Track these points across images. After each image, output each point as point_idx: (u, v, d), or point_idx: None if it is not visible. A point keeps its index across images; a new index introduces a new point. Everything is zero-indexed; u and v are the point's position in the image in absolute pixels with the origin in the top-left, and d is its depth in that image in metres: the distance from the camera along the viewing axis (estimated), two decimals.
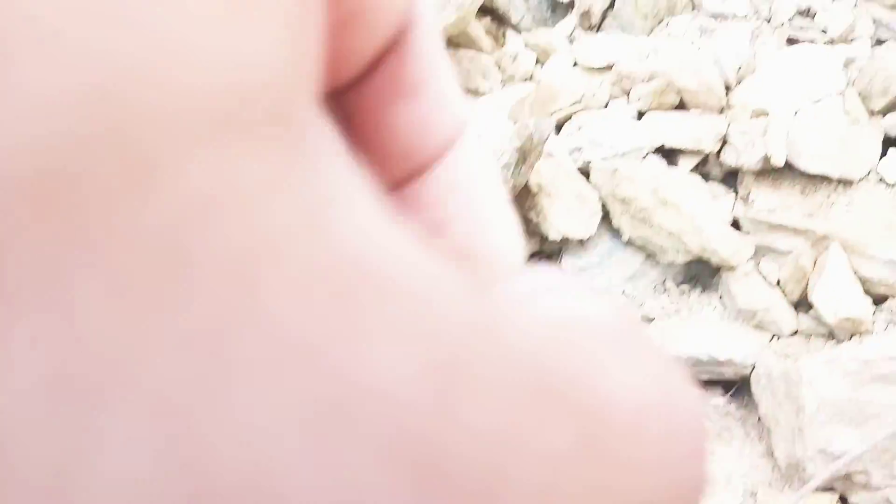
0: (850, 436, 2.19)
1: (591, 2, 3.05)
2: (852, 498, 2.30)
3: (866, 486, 2.25)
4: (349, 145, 0.15)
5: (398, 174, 0.21)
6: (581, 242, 2.56)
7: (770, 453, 2.43)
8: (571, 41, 3.10)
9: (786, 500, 2.27)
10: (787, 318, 2.41)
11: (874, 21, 2.79)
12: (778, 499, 2.34)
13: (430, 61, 0.21)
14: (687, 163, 2.54)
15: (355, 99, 0.20)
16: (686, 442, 0.15)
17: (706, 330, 2.44)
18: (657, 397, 0.15)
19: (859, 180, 2.42)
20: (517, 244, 0.23)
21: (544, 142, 2.29)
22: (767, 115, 2.48)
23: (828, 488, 2.32)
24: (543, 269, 0.20)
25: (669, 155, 2.58)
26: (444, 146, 0.21)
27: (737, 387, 2.52)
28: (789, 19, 2.78)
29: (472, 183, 0.22)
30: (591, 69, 2.92)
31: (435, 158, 0.21)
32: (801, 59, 2.59)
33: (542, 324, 0.14)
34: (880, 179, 2.42)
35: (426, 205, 0.21)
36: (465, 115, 0.22)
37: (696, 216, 2.42)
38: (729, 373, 2.44)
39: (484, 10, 3.17)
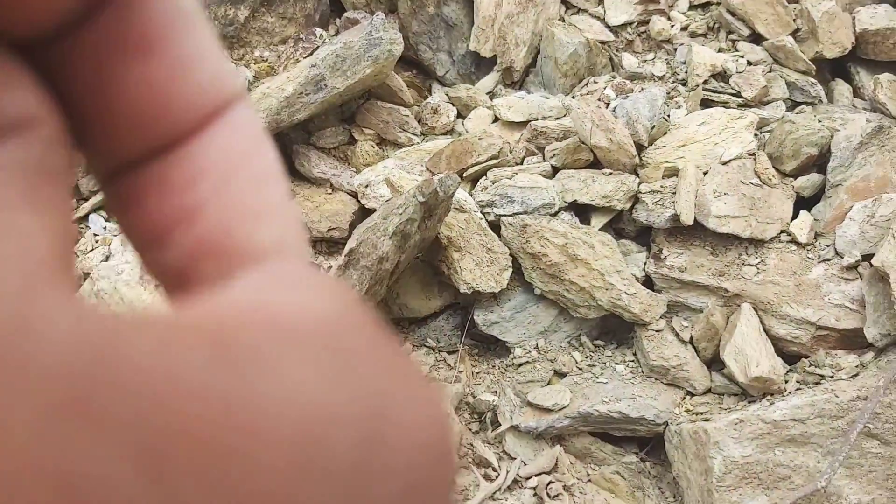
0: (760, 499, 2.13)
1: (514, 58, 3.06)
2: None
3: None
4: (65, 109, 0.15)
5: (135, 148, 0.20)
6: (493, 296, 2.50)
7: None
8: (493, 96, 3.11)
9: None
10: (700, 377, 2.36)
11: (788, 84, 2.84)
12: None
13: (169, 19, 0.19)
14: (599, 220, 2.52)
15: (68, 53, 0.18)
16: (390, 450, 0.15)
17: (619, 387, 2.38)
18: (335, 402, 0.15)
19: (770, 239, 2.42)
20: (287, 231, 0.21)
21: (450, 197, 2.24)
22: (678, 174, 2.48)
23: None
24: (296, 262, 0.20)
25: (582, 211, 2.55)
26: (197, 120, 0.20)
27: (651, 444, 2.46)
28: (704, 81, 2.81)
29: (232, 165, 0.21)
30: (510, 124, 2.91)
31: (185, 133, 0.20)
32: (714, 122, 2.61)
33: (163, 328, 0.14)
34: (791, 240, 2.42)
35: (175, 187, 0.20)
36: (229, 88, 0.21)
37: (606, 273, 2.38)
38: (642, 430, 2.38)
39: (409, 63, 3.17)
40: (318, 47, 3.05)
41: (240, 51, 3.15)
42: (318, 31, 3.12)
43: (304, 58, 3.01)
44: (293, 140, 2.92)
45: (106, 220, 2.71)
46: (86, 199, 2.74)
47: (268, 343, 0.15)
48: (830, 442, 2.10)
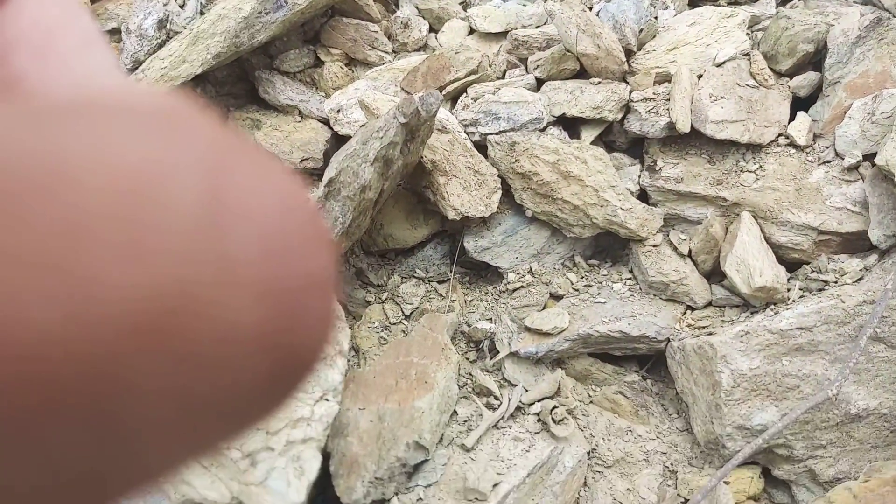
0: (769, 410, 2.09)
1: None
2: (775, 471, 2.21)
3: (789, 459, 2.17)
4: None
5: None
6: (483, 221, 2.38)
7: (689, 430, 2.33)
8: (466, 6, 2.91)
9: (707, 479, 2.16)
10: (701, 290, 2.29)
11: None
12: (698, 478, 2.23)
13: None
14: (589, 133, 2.38)
15: None
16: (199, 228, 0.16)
17: (618, 306, 2.30)
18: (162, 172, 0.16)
19: (768, 144, 2.31)
20: (100, 64, 0.23)
21: (433, 116, 2.08)
22: (671, 79, 2.35)
23: (750, 462, 2.23)
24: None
25: (571, 125, 2.41)
26: None
27: (652, 362, 2.41)
28: None
29: (47, 34, 0.22)
30: (488, 35, 2.73)
31: None
32: (705, 21, 2.46)
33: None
34: (790, 143, 2.32)
35: None
36: None
37: (601, 189, 2.27)
38: (643, 348, 2.31)
39: None
40: None
41: None
42: None
43: None
44: (255, 66, 2.71)
45: None
46: None
47: (89, 111, 0.16)
48: (838, 349, 2.05)
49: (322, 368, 1.69)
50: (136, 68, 2.58)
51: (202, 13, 2.73)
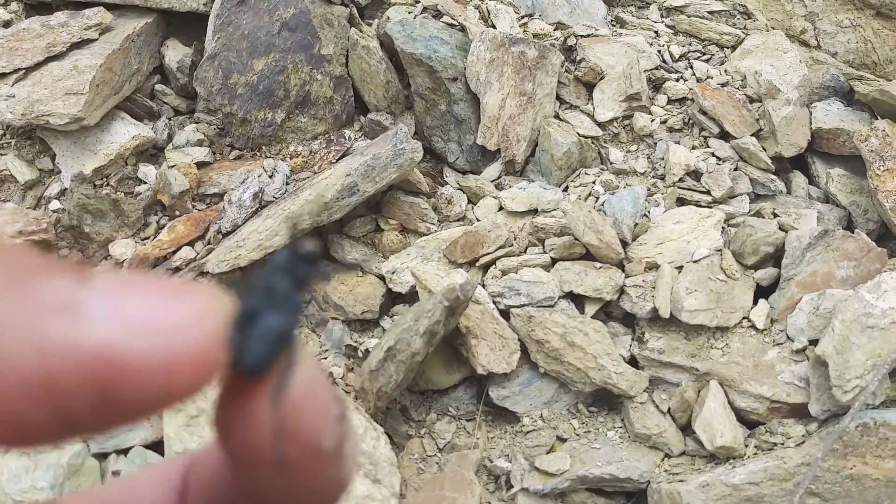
0: None
1: (515, 153, 3.53)
2: None
3: None
4: None
5: None
6: (505, 374, 2.98)
7: None
8: (498, 185, 3.58)
9: None
10: (676, 442, 2.85)
11: (751, 181, 3.33)
12: None
13: None
14: (592, 307, 3.00)
15: None
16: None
17: (610, 451, 2.87)
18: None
19: (734, 326, 2.91)
20: None
21: (469, 299, 2.72)
22: (658, 268, 2.97)
23: None
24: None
25: (577, 299, 3.04)
26: None
27: (636, 498, 2.95)
28: (680, 179, 3.29)
29: None
30: (514, 213, 3.38)
31: None
32: (687, 220, 3.09)
33: None
34: (751, 325, 2.91)
35: None
36: None
37: (598, 356, 2.87)
38: (629, 487, 2.87)
39: (424, 150, 3.62)
40: (348, 149, 3.52)
41: (276, 147, 3.62)
42: (346, 132, 3.59)
43: (335, 159, 3.48)
44: (328, 230, 3.38)
45: None
46: None
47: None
48: (780, 501, 2.59)
49: None
50: (234, 231, 3.26)
51: (287, 184, 3.42)
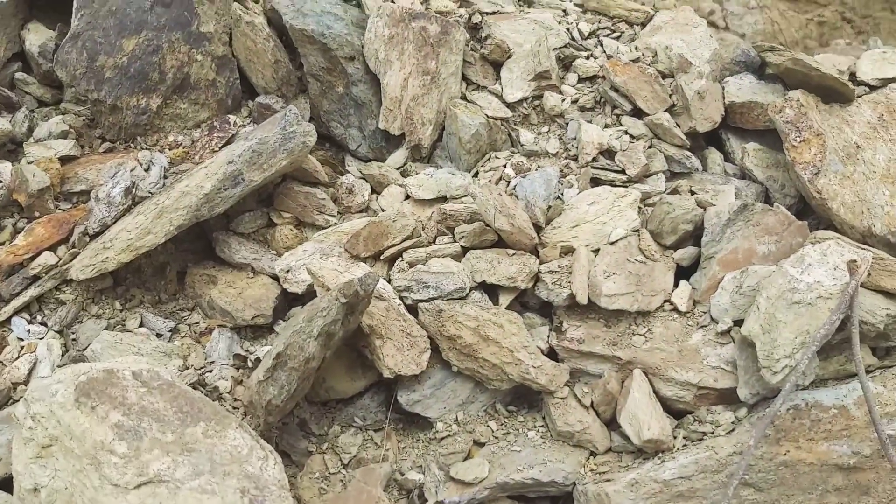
0: None
1: (421, 137, 3.27)
2: None
3: None
4: None
5: None
6: (415, 376, 2.70)
7: None
8: (404, 172, 3.30)
9: None
10: (601, 438, 2.64)
11: (667, 158, 3.16)
12: None
13: None
14: (506, 297, 2.76)
15: None
16: None
17: (531, 454, 2.63)
18: None
19: (655, 310, 2.72)
20: None
21: (370, 294, 2.43)
22: (573, 252, 2.75)
23: None
24: None
25: (490, 289, 2.79)
26: None
27: (562, 501, 2.72)
28: (593, 159, 3.10)
29: None
30: (422, 201, 3.12)
31: None
32: (602, 201, 2.90)
33: None
34: (674, 308, 2.73)
35: None
36: None
37: (515, 349, 2.63)
38: (553, 491, 2.64)
39: (322, 137, 3.31)
40: (232, 136, 3.18)
41: (153, 136, 3.25)
42: (231, 118, 3.25)
43: (219, 147, 3.14)
44: (213, 227, 3.04)
45: (29, 323, 2.76)
46: (6, 302, 2.78)
47: None
48: (713, 494, 2.41)
49: None
50: (103, 232, 2.88)
51: (165, 177, 3.07)
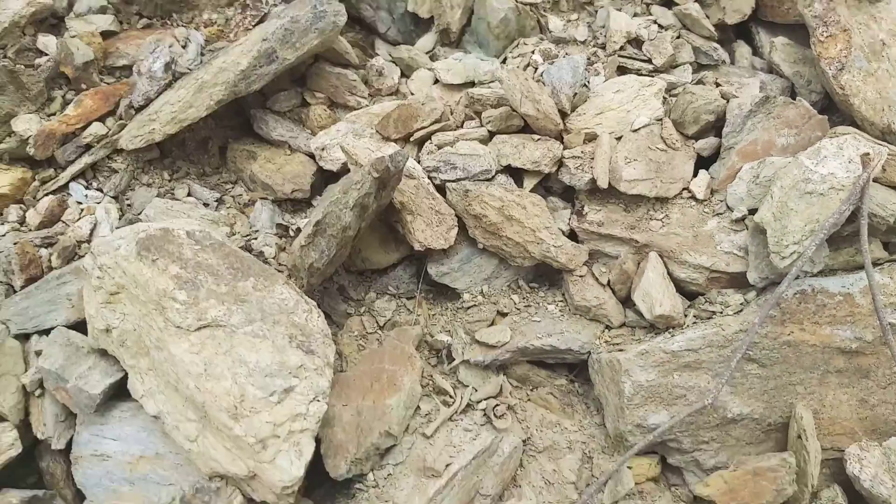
0: (662, 413, 2.65)
1: (450, 20, 3.32)
2: (670, 459, 2.77)
3: (679, 451, 2.73)
4: None
5: None
6: (443, 251, 2.87)
7: (604, 424, 2.87)
8: (432, 56, 3.38)
9: (613, 464, 2.71)
10: (616, 314, 2.83)
11: (694, 49, 3.21)
12: (608, 463, 2.79)
13: None
14: (530, 181, 2.89)
15: None
16: None
17: (550, 324, 2.83)
18: None
19: (673, 197, 2.85)
20: None
21: (401, 171, 2.57)
22: (597, 139, 2.86)
23: (650, 452, 2.80)
24: None
25: (515, 173, 2.92)
26: None
27: (578, 369, 2.95)
28: (620, 48, 3.15)
29: None
30: (450, 85, 3.21)
31: None
32: (627, 89, 2.97)
33: None
34: (691, 196, 2.86)
35: None
36: None
37: (537, 229, 2.79)
38: (570, 358, 2.85)
39: (352, 20, 3.37)
40: (265, 14, 3.24)
41: (189, 14, 3.32)
42: None
43: (252, 25, 3.21)
44: (251, 104, 3.15)
45: (86, 188, 2.93)
46: (64, 168, 2.94)
47: None
48: (718, 366, 2.62)
49: (315, 377, 2.18)
50: (147, 105, 3.00)
51: (202, 54, 3.15)
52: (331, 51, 3.19)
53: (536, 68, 3.10)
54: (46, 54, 3.08)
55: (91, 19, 3.20)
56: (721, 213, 2.82)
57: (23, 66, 3.02)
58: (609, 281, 2.84)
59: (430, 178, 2.88)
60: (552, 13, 3.39)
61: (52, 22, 3.22)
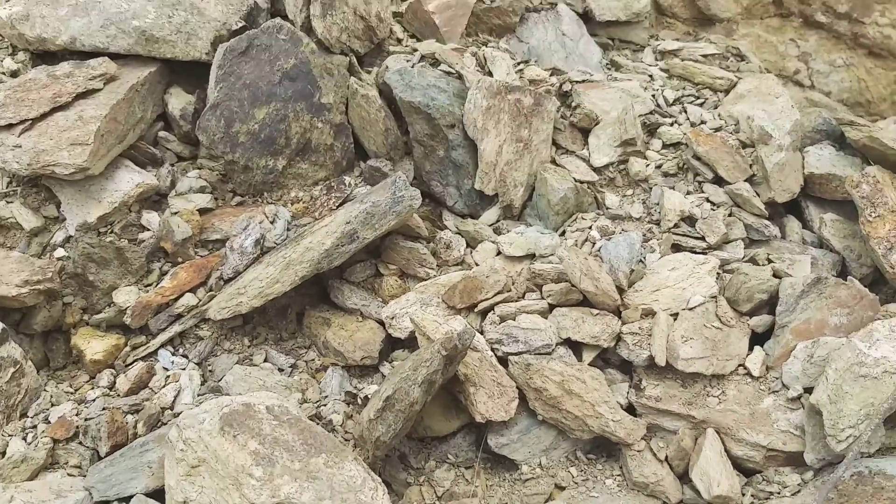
0: None
1: (513, 197, 3.59)
2: None
3: None
4: None
5: None
6: (503, 422, 2.99)
7: None
8: (496, 229, 3.62)
9: None
10: (674, 490, 2.86)
11: (745, 226, 3.37)
12: None
13: None
14: (589, 354, 3.03)
15: None
16: None
17: (608, 500, 2.88)
18: None
19: (730, 373, 2.94)
20: None
21: (467, 348, 2.75)
22: (654, 314, 3.00)
23: None
24: None
25: (575, 346, 3.07)
26: None
27: None
28: (675, 225, 3.34)
29: None
30: (512, 257, 3.42)
31: None
32: (682, 267, 3.14)
33: None
34: (747, 373, 2.94)
35: None
36: None
37: (596, 404, 2.90)
38: None
39: (422, 194, 3.66)
40: (347, 195, 3.57)
41: (278, 193, 3.68)
42: (346, 178, 3.65)
43: (336, 205, 3.53)
44: (329, 275, 3.42)
45: (173, 355, 3.20)
46: (154, 336, 3.23)
47: None
48: None
49: None
50: (235, 277, 3.30)
51: (288, 229, 3.47)
52: (404, 226, 3.47)
53: (594, 244, 3.31)
54: (149, 230, 3.44)
55: (190, 197, 3.57)
56: (777, 391, 2.88)
57: (127, 242, 3.38)
58: (667, 457, 2.90)
59: (492, 350, 3.05)
60: (608, 189, 3.62)
61: (155, 199, 3.61)
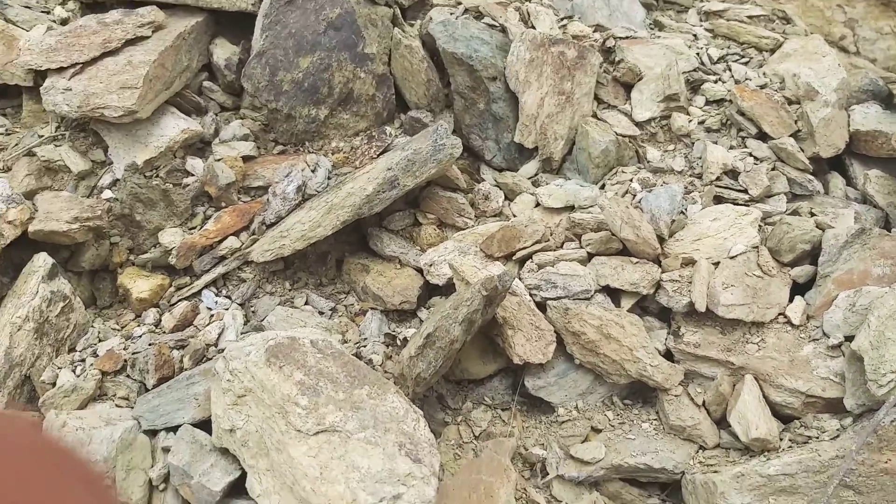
0: None
1: (553, 150, 3.59)
2: None
3: None
4: None
5: None
6: (541, 365, 3.02)
7: None
8: (535, 182, 3.63)
9: None
10: (711, 434, 2.87)
11: (789, 180, 3.35)
12: None
13: None
14: (628, 301, 3.04)
15: None
16: None
17: (645, 442, 2.90)
18: None
19: (769, 322, 2.93)
20: None
21: (507, 289, 2.77)
22: (694, 264, 3.00)
23: None
24: None
25: (614, 293, 3.08)
26: None
27: (670, 489, 2.97)
28: (717, 178, 3.32)
29: None
30: (551, 209, 3.44)
31: None
32: (724, 218, 3.12)
33: None
34: (787, 321, 2.93)
35: None
36: None
37: (634, 348, 2.91)
38: (663, 477, 2.89)
39: (462, 147, 3.69)
40: (388, 145, 3.60)
41: (319, 142, 3.72)
42: (387, 129, 3.68)
43: (376, 155, 3.57)
44: (367, 223, 3.47)
45: (216, 296, 3.27)
46: (198, 277, 3.30)
47: None
48: (814, 492, 2.61)
49: (422, 486, 2.33)
50: (277, 222, 3.35)
51: (329, 178, 3.51)
52: (443, 176, 3.50)
53: (634, 195, 3.30)
54: (193, 175, 3.51)
55: (234, 145, 3.63)
56: (817, 339, 2.87)
57: (172, 185, 3.45)
58: (704, 402, 2.91)
59: (531, 294, 3.07)
60: (650, 144, 3.61)
61: (199, 146, 3.67)
